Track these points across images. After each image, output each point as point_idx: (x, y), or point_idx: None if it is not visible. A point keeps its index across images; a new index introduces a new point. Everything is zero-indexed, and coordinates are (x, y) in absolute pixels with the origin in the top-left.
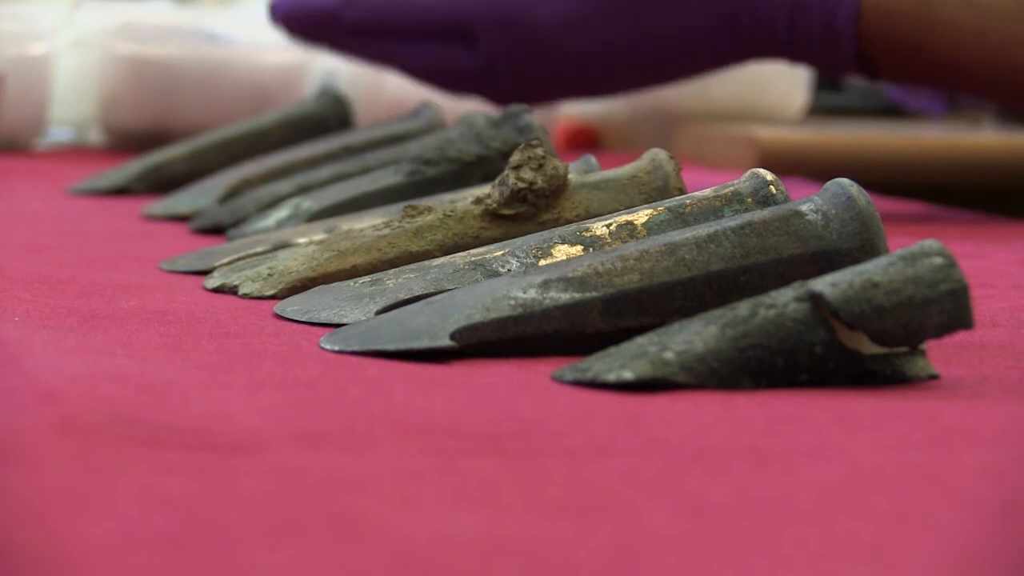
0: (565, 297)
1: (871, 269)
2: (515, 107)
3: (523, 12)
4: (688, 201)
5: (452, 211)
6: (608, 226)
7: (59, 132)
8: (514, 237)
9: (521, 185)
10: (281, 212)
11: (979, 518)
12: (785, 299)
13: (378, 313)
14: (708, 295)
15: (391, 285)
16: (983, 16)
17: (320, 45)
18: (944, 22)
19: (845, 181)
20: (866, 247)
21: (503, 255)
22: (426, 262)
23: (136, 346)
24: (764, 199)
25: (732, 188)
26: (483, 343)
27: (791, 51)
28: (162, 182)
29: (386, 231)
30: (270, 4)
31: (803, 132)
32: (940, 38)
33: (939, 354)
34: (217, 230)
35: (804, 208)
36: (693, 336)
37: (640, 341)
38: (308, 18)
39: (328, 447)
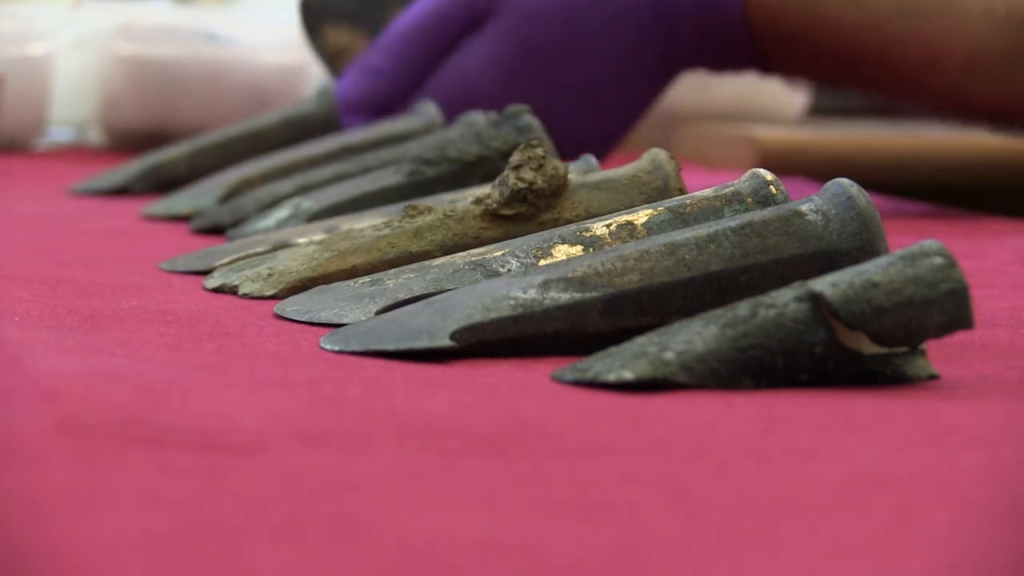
0: (565, 297)
1: (871, 269)
2: (515, 107)
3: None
4: (688, 201)
5: (452, 211)
6: (608, 226)
7: (59, 132)
8: (514, 237)
9: (521, 185)
10: (281, 212)
11: (979, 518)
12: (785, 299)
13: (378, 313)
14: (708, 295)
15: (391, 285)
16: (866, 13)
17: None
18: (829, 20)
19: (845, 181)
20: (866, 247)
21: (503, 255)
22: (426, 262)
23: (136, 346)
24: (764, 199)
25: (732, 188)
26: (483, 343)
27: (690, 54)
28: (162, 182)
29: (386, 231)
30: (338, 100)
31: (803, 132)
32: (826, 35)
33: (939, 354)
34: (217, 230)
35: (804, 208)
36: (693, 336)
37: (640, 341)
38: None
39: (328, 447)
